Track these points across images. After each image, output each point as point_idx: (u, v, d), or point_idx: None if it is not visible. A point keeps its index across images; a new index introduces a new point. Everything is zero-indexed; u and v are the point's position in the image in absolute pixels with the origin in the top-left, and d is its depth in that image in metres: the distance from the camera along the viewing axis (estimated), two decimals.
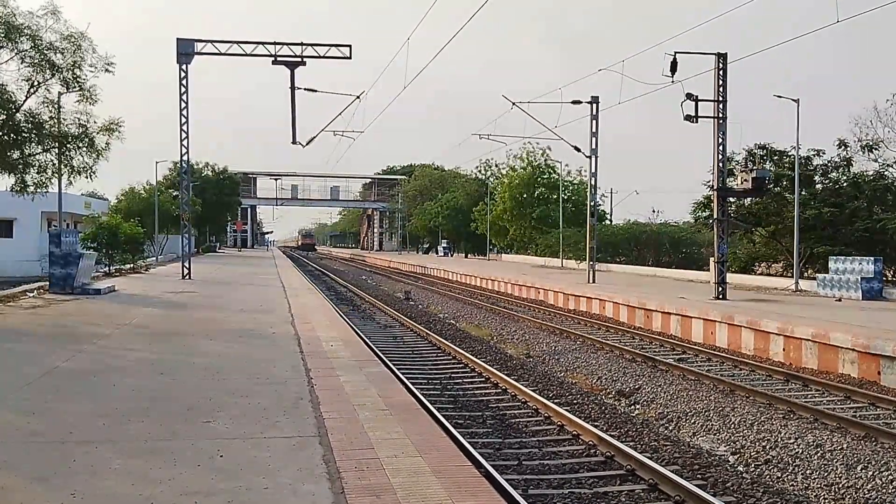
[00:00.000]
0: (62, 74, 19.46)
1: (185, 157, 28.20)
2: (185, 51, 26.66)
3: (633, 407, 12.04)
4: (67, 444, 6.30)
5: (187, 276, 28.22)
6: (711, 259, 23.87)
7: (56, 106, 20.32)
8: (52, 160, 20.81)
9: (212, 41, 26.91)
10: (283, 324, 14.98)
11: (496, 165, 74.45)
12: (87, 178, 21.38)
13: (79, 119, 20.44)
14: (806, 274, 31.43)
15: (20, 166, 20.08)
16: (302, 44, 26.76)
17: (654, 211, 78.81)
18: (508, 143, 46.04)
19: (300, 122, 33.59)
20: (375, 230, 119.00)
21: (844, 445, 9.18)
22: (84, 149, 20.50)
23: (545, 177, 61.42)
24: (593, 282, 29.88)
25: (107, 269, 31.58)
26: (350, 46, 26.81)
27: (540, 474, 8.17)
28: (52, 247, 21.48)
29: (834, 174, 34.23)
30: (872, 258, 24.09)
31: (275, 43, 26.71)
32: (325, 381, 9.07)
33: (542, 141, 56.76)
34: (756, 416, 10.64)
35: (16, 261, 41.25)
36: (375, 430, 6.86)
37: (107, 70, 20.31)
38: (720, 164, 23.11)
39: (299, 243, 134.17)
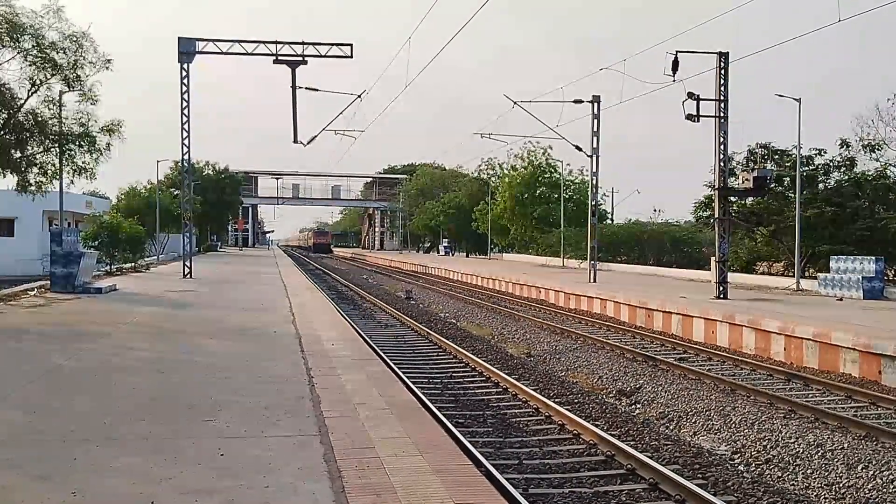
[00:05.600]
0: (64, 73, 19.50)
1: (186, 156, 28.24)
2: (187, 50, 26.68)
3: (633, 406, 12.04)
4: (69, 442, 6.31)
5: (188, 276, 28.24)
6: (713, 258, 23.87)
7: (58, 105, 20.35)
8: (53, 160, 20.86)
9: (213, 40, 26.96)
10: (284, 323, 14.99)
11: (498, 165, 74.41)
12: (87, 178, 21.45)
13: (80, 119, 20.50)
14: (807, 273, 31.41)
15: (22, 166, 20.13)
16: (303, 43, 26.79)
17: (655, 210, 78.76)
18: (510, 143, 46.05)
19: (301, 121, 33.61)
20: (377, 229, 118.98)
21: (845, 445, 9.18)
22: (85, 148, 20.55)
23: (546, 176, 61.33)
24: (594, 281, 29.86)
25: (108, 268, 31.61)
26: (351, 45, 26.86)
27: (541, 473, 8.17)
28: (53, 246, 21.50)
29: (836, 174, 34.23)
30: (874, 258, 24.07)
31: (276, 42, 26.74)
32: (326, 380, 9.08)
33: (544, 140, 56.67)
34: (757, 416, 10.64)
35: (17, 260, 41.24)
36: (376, 429, 6.86)
37: (106, 67, 20.36)
38: (721, 164, 23.09)
39: (311, 243, 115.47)
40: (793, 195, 30.63)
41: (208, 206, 61.13)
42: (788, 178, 33.18)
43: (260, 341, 12.52)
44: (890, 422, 10.36)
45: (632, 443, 9.28)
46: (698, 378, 13.37)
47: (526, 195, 60.38)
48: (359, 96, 28.74)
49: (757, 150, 33.47)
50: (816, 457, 8.89)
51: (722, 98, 22.70)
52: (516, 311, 24.72)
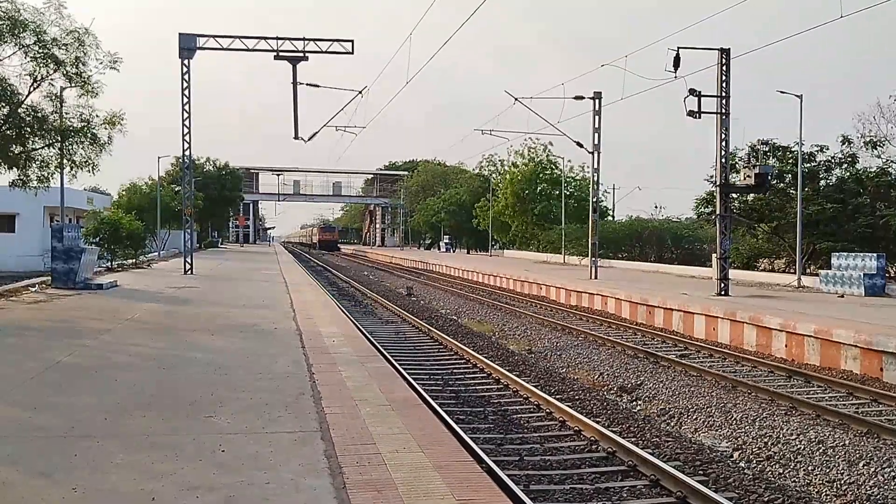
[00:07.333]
0: (65, 69, 19.46)
1: (187, 152, 28.22)
2: (187, 45, 26.64)
3: (634, 403, 12.03)
4: (69, 438, 6.30)
5: (189, 272, 28.26)
6: (714, 255, 23.84)
7: (58, 100, 20.33)
8: (54, 154, 20.85)
9: (214, 36, 26.89)
10: (284, 319, 14.98)
11: (499, 161, 74.35)
12: (89, 172, 21.39)
13: (81, 113, 20.46)
14: (809, 270, 31.40)
15: (22, 161, 20.12)
16: (304, 39, 26.75)
17: (656, 207, 78.92)
18: (511, 139, 46.11)
19: (302, 117, 33.60)
20: (378, 226, 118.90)
21: (846, 442, 9.17)
22: (86, 143, 20.52)
23: (547, 173, 61.31)
24: (595, 278, 29.85)
25: (109, 264, 31.58)
26: (352, 41, 26.82)
27: (542, 470, 8.17)
28: (54, 242, 21.52)
29: (837, 170, 34.17)
30: (875, 254, 24.06)
31: (277, 38, 26.70)
32: (327, 377, 9.07)
33: (545, 136, 56.72)
34: (758, 413, 10.63)
35: (18, 256, 41.29)
36: (377, 425, 6.86)
37: (112, 67, 20.31)
38: (723, 160, 23.06)
39: (316, 239, 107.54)
40: (794, 192, 30.59)
41: (209, 203, 61.07)
42: (790, 175, 33.14)
43: (261, 337, 12.52)
44: (891, 418, 10.36)
45: (633, 439, 9.27)
46: (699, 375, 13.37)
47: (527, 191, 60.36)
48: (360, 92, 28.72)
49: (759, 147, 33.40)
50: (818, 453, 8.88)
51: (723, 94, 22.67)
52: (517, 307, 24.72)
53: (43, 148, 20.53)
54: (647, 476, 7.81)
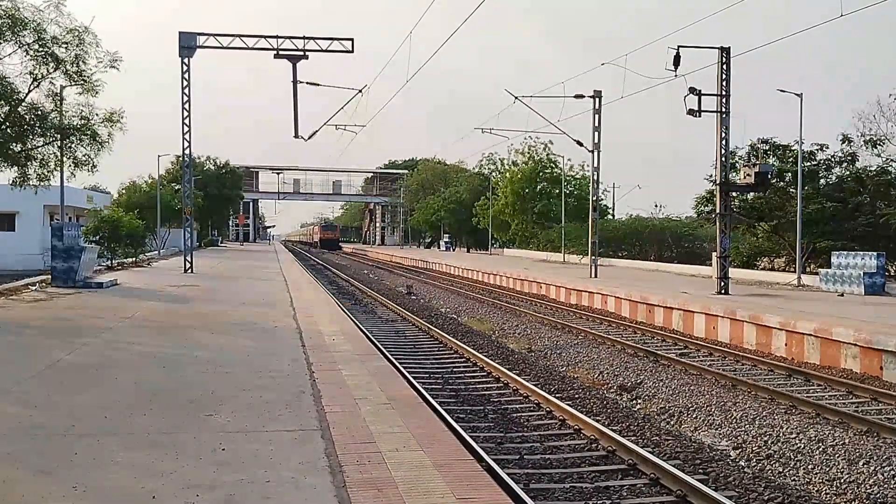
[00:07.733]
0: (65, 68, 19.47)
1: (187, 151, 28.23)
2: (188, 44, 26.64)
3: (634, 402, 12.03)
4: (70, 436, 6.31)
5: (189, 270, 28.26)
6: (714, 254, 23.85)
7: (59, 98, 20.34)
8: (54, 153, 20.87)
9: (214, 34, 26.90)
10: (284, 318, 14.99)
11: (499, 160, 74.27)
12: (89, 171, 21.42)
13: (81, 111, 20.50)
14: (809, 269, 31.38)
15: (23, 159, 20.13)
16: (304, 37, 26.75)
17: (656, 205, 78.89)
18: (511, 138, 45.95)
19: (302, 116, 33.56)
20: (377, 224, 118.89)
21: (846, 440, 9.17)
22: (87, 140, 20.54)
23: (547, 171, 61.29)
24: (595, 276, 29.85)
25: (109, 262, 31.58)
26: (352, 40, 26.84)
27: (541, 468, 8.17)
28: (54, 240, 21.53)
29: (837, 169, 34.14)
30: (875, 253, 24.05)
31: (277, 37, 26.70)
32: (327, 375, 9.07)
33: (545, 135, 56.65)
34: (758, 411, 10.64)
35: (18, 254, 41.32)
36: (377, 423, 6.86)
37: (112, 66, 20.32)
38: (723, 159, 23.07)
39: (317, 238, 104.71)
40: (794, 190, 30.56)
41: (209, 201, 61.10)
42: (790, 174, 33.11)
43: (261, 336, 12.52)
44: (891, 417, 10.37)
45: (633, 438, 9.28)
46: (699, 373, 13.37)
47: (527, 190, 60.35)
48: (360, 91, 28.71)
49: (759, 146, 33.37)
50: (817, 452, 8.89)
51: (724, 93, 22.66)
52: (517, 306, 24.72)
53: (43, 146, 20.55)
54: (646, 475, 7.82)
